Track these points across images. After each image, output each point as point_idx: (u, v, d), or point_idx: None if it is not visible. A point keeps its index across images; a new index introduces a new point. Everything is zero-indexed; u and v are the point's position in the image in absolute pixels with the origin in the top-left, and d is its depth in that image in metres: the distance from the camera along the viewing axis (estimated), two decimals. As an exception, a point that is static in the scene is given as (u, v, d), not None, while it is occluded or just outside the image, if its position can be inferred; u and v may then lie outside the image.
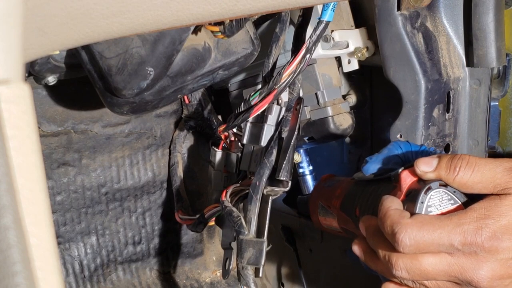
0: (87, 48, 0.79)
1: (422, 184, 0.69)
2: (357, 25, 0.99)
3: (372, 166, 0.79)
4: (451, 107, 0.92)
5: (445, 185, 0.69)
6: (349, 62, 1.01)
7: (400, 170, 0.73)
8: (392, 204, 0.68)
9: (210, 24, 0.79)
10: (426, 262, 0.65)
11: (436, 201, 0.68)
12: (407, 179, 0.72)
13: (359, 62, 1.00)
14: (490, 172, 0.66)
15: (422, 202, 0.68)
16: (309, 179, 1.15)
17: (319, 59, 1.00)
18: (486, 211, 0.64)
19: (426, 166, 0.70)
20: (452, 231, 0.64)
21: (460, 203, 0.69)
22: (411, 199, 0.69)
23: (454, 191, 0.69)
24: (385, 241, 0.68)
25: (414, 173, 0.71)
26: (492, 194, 0.66)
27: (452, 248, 0.64)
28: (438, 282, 0.67)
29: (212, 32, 0.81)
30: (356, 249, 0.74)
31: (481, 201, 0.66)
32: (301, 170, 1.14)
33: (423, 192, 0.68)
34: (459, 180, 0.67)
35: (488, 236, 0.63)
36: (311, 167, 1.15)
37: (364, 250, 0.73)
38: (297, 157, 1.05)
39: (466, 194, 0.69)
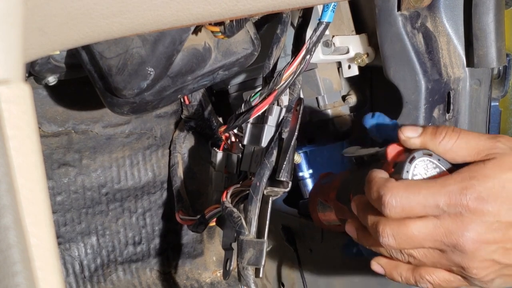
0: (87, 48, 0.79)
1: (407, 155, 0.70)
2: (358, 31, 0.99)
3: (372, 120, 0.80)
4: (451, 107, 0.92)
5: (430, 154, 0.69)
6: (349, 68, 1.01)
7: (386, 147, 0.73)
8: (379, 174, 0.68)
9: (210, 24, 0.79)
10: (412, 227, 0.65)
11: (421, 169, 0.68)
12: (393, 152, 0.72)
13: (360, 63, 1.00)
14: (474, 139, 0.67)
15: (407, 172, 0.68)
16: (309, 182, 1.15)
17: (320, 63, 1.01)
18: (471, 173, 0.64)
19: (411, 132, 0.70)
20: (437, 192, 0.63)
21: (445, 169, 0.69)
22: (397, 171, 0.70)
23: (439, 159, 0.69)
24: (374, 211, 0.68)
25: (399, 146, 0.72)
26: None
27: (437, 209, 0.63)
28: (425, 252, 0.66)
29: (212, 32, 0.81)
30: (349, 228, 0.74)
31: (466, 166, 0.66)
32: (300, 174, 1.14)
33: (407, 162, 0.68)
34: (444, 146, 0.67)
35: (473, 196, 0.62)
36: (310, 171, 1.15)
37: (356, 228, 0.73)
38: (297, 158, 1.05)
39: (451, 163, 0.69)
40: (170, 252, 1.29)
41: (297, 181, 1.14)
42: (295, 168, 1.12)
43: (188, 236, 1.29)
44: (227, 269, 0.94)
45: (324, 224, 0.95)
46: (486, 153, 0.65)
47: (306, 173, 1.14)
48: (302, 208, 1.08)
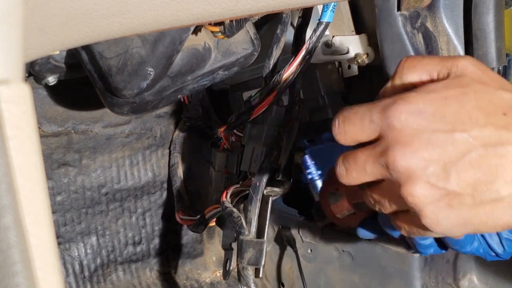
0: (87, 48, 0.79)
1: None
2: (358, 31, 0.99)
3: None
4: (451, 107, 0.92)
5: None
6: (349, 68, 1.01)
7: None
8: None
9: (210, 24, 0.79)
10: (356, 151, 0.58)
11: None
12: None
13: (360, 62, 1.00)
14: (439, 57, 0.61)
15: None
16: (319, 183, 1.10)
17: (320, 63, 1.01)
18: (415, 88, 0.57)
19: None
20: (373, 106, 0.57)
21: None
22: None
23: None
24: None
25: None
26: None
27: (373, 125, 0.56)
28: (379, 191, 0.60)
29: (212, 32, 0.81)
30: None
31: None
32: (309, 176, 1.10)
33: None
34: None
35: (407, 107, 0.54)
36: (320, 171, 1.11)
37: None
38: (297, 158, 1.05)
39: None
40: (170, 252, 1.29)
41: (305, 184, 1.11)
42: (303, 170, 1.10)
43: (188, 236, 1.29)
44: (227, 269, 0.94)
45: (339, 219, 0.93)
46: (447, 72, 0.57)
47: (315, 174, 1.08)
48: (316, 211, 1.05)
